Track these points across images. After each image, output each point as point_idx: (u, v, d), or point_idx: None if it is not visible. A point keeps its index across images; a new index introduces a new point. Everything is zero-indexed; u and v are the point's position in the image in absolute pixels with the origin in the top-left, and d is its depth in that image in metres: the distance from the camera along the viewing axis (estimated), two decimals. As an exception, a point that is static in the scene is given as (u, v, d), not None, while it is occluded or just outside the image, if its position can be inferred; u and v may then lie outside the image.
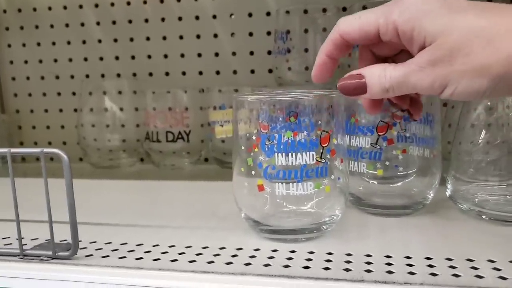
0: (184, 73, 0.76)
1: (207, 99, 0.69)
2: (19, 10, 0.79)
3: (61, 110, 0.80)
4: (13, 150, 0.32)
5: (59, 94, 0.80)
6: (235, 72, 0.74)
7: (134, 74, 0.77)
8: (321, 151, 0.33)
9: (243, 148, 0.35)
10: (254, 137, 0.34)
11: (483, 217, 0.40)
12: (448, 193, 0.44)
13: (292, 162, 0.33)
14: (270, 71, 0.72)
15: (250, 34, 0.73)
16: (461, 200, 0.43)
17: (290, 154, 0.33)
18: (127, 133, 0.73)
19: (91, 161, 0.73)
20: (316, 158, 0.33)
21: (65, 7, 0.77)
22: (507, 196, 0.42)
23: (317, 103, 0.34)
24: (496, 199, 0.42)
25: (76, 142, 0.77)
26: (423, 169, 0.42)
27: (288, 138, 0.33)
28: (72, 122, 0.79)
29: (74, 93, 0.79)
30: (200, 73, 0.75)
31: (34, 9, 0.78)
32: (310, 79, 0.63)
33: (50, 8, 0.78)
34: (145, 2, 0.75)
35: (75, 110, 0.78)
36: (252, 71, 0.74)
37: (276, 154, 0.33)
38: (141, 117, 0.71)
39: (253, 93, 0.40)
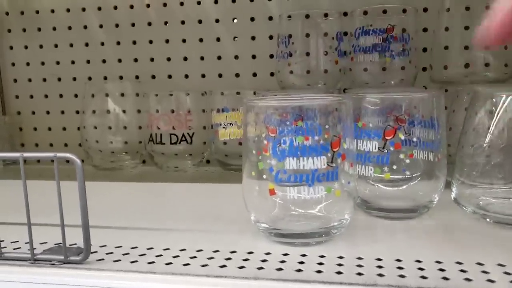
0: (187, 76, 0.76)
1: (209, 101, 0.69)
2: (22, 13, 0.78)
3: (62, 112, 0.80)
4: (26, 154, 0.32)
5: (61, 96, 0.80)
6: (237, 75, 0.75)
7: (137, 77, 0.77)
8: (331, 155, 0.34)
9: (253, 152, 0.35)
10: (264, 141, 0.35)
11: (487, 220, 0.41)
12: (453, 196, 0.45)
13: (303, 166, 0.33)
14: (272, 74, 0.73)
15: (253, 38, 0.73)
16: (466, 203, 0.43)
17: (301, 158, 0.33)
18: (130, 135, 0.73)
19: (94, 163, 0.73)
20: (327, 162, 0.33)
21: (68, 10, 0.77)
22: (511, 199, 0.42)
23: (326, 107, 0.35)
24: (500, 202, 0.42)
25: (78, 144, 0.77)
26: (428, 172, 0.42)
27: (299, 142, 0.33)
28: (74, 124, 0.79)
29: (76, 95, 0.79)
30: (203, 76, 0.75)
31: (37, 12, 0.78)
32: (312, 82, 0.65)
33: (53, 11, 0.78)
34: (148, 6, 0.75)
35: (77, 112, 0.79)
36: (254, 75, 0.74)
37: (287, 158, 0.33)
38: (144, 119, 0.71)
39: (262, 97, 0.41)
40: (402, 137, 0.40)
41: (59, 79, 0.79)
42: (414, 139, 0.40)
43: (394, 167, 0.41)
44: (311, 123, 0.34)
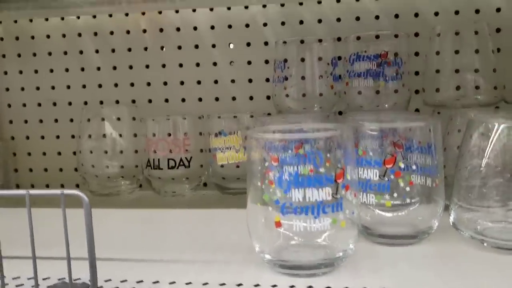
0: (183, 100, 0.76)
1: (206, 125, 0.70)
2: (17, 38, 0.79)
3: (58, 137, 0.80)
4: (32, 192, 0.32)
5: (56, 120, 0.80)
6: (234, 98, 0.75)
7: (133, 101, 0.77)
8: (336, 187, 0.34)
9: (258, 183, 0.36)
10: (269, 173, 0.35)
11: (485, 244, 0.42)
12: (451, 220, 0.45)
13: (309, 199, 0.34)
14: (268, 97, 0.73)
15: (249, 62, 0.74)
16: (464, 228, 0.44)
17: (306, 190, 0.34)
18: (126, 160, 0.73)
19: (90, 188, 0.72)
20: (332, 194, 0.34)
21: (63, 35, 0.77)
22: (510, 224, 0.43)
23: (330, 138, 0.36)
24: (498, 226, 0.43)
25: (73, 168, 0.77)
26: (427, 198, 0.43)
27: (304, 174, 0.34)
28: (69, 149, 0.78)
29: (71, 120, 0.79)
30: (200, 99, 0.76)
31: (32, 37, 0.78)
32: (307, 106, 0.66)
33: (48, 36, 0.78)
34: (144, 31, 0.76)
35: (73, 136, 0.78)
36: (251, 98, 0.75)
37: (292, 190, 0.34)
38: (140, 143, 0.72)
39: (264, 128, 0.41)
40: (402, 166, 0.41)
41: (54, 104, 0.79)
42: (414, 167, 0.41)
43: (395, 194, 0.42)
44: (312, 149, 0.35)
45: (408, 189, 0.41)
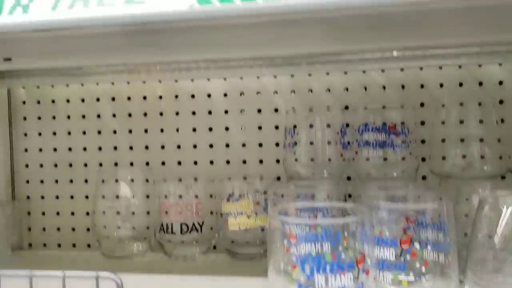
0: (195, 163, 0.79)
1: (217, 188, 0.71)
2: (38, 102, 0.82)
3: (72, 197, 0.81)
4: (68, 273, 0.33)
5: (71, 181, 0.81)
6: (244, 162, 0.78)
7: (147, 163, 0.80)
8: (357, 271, 0.36)
9: (281, 264, 0.37)
10: (291, 255, 0.37)
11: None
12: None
13: (331, 285, 0.35)
14: (278, 161, 0.76)
15: (259, 127, 0.77)
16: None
17: (329, 276, 0.35)
18: (139, 221, 0.74)
19: (102, 250, 0.73)
20: (353, 279, 0.35)
21: (82, 100, 0.81)
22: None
23: (349, 225, 0.37)
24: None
25: (86, 229, 0.78)
26: (441, 274, 0.44)
27: (327, 259, 0.35)
28: (82, 209, 0.80)
29: (86, 181, 0.81)
30: (211, 162, 0.78)
31: (53, 101, 0.82)
32: (317, 171, 0.68)
33: (68, 101, 0.81)
34: (160, 97, 0.79)
35: (87, 197, 0.80)
36: (261, 161, 0.77)
37: (315, 276, 0.35)
38: (153, 205, 0.73)
39: (283, 206, 0.43)
40: (418, 247, 0.42)
41: (70, 165, 0.81)
42: (429, 247, 0.43)
43: (411, 273, 0.43)
44: (329, 228, 0.37)
45: (424, 268, 0.42)
